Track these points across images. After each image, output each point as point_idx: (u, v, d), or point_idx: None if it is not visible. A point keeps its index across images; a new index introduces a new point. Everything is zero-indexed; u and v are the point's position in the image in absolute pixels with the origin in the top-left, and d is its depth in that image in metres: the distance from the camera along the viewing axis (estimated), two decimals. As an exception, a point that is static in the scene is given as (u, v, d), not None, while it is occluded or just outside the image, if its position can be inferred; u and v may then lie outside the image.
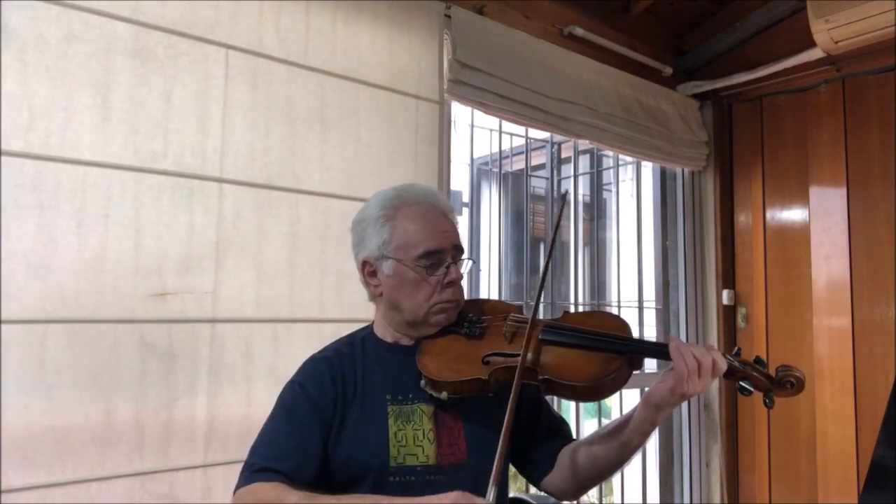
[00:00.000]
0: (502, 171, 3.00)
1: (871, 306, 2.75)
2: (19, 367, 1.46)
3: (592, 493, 3.60)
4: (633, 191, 3.29)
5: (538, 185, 3.42)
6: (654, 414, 1.17)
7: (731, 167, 3.29)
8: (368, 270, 1.28)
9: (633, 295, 3.20)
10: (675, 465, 3.19)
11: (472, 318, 1.28)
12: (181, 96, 1.72)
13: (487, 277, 3.08)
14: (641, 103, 2.94)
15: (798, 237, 3.01)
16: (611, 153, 3.20)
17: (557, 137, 3.14)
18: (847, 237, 2.83)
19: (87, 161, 1.58)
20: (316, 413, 1.19)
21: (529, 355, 1.18)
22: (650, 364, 2.95)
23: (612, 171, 3.41)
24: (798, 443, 2.94)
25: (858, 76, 2.84)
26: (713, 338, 3.20)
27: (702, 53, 3.22)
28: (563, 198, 1.39)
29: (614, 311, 3.17)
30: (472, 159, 3.13)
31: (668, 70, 3.13)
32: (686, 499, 3.14)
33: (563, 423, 1.37)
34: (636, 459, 3.13)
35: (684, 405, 3.17)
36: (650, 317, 3.24)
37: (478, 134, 2.79)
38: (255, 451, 1.17)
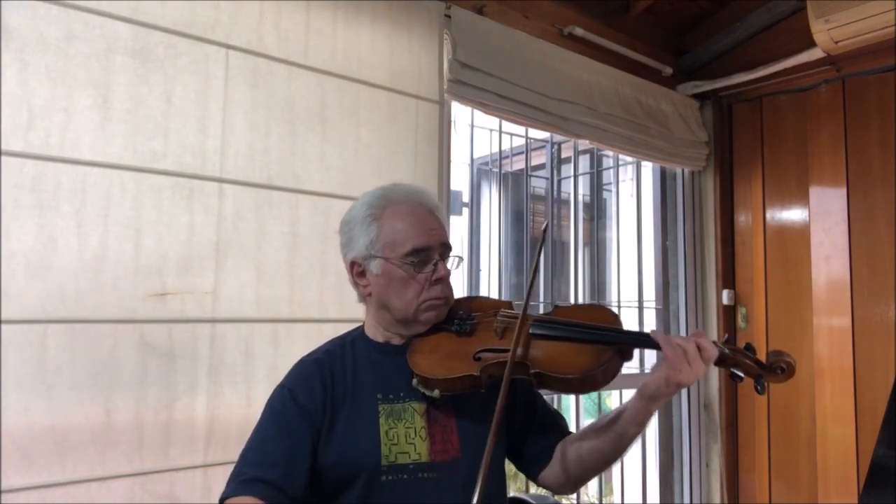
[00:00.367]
0: (502, 171, 3.00)
1: (871, 306, 2.75)
2: (19, 367, 1.46)
3: (592, 493, 3.60)
4: (633, 191, 3.30)
5: (538, 185, 3.42)
6: (648, 404, 1.17)
7: (731, 167, 3.29)
8: (357, 271, 1.28)
9: (633, 295, 3.20)
10: (675, 465, 3.19)
11: (462, 315, 1.29)
12: (181, 96, 1.72)
13: (487, 277, 3.08)
14: (641, 103, 2.94)
15: (798, 237, 3.01)
16: (611, 153, 3.20)
17: (557, 137, 3.14)
18: (847, 237, 2.83)
19: (87, 161, 1.57)
20: (305, 418, 1.18)
21: (520, 350, 1.18)
22: (651, 360, 2.95)
23: (612, 171, 3.41)
24: (798, 443, 2.94)
25: (858, 76, 2.84)
26: (713, 338, 3.19)
27: (702, 53, 3.22)
28: (544, 233, 1.39)
29: (614, 310, 3.17)
30: (472, 159, 3.13)
31: (668, 70, 3.13)
32: (686, 499, 3.14)
33: (559, 417, 1.37)
34: (636, 459, 3.13)
35: (684, 405, 3.18)
36: (650, 317, 3.25)
37: (478, 134, 2.79)
38: (244, 457, 1.16)
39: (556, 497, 1.59)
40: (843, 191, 2.86)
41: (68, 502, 1.49)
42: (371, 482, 1.16)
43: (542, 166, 3.37)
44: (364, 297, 1.31)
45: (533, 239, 3.12)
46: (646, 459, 3.15)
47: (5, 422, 1.43)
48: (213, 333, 1.73)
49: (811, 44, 2.64)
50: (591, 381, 1.18)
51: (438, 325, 1.27)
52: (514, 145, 3.07)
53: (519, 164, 3.26)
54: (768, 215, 3.13)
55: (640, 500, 3.05)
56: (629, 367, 2.60)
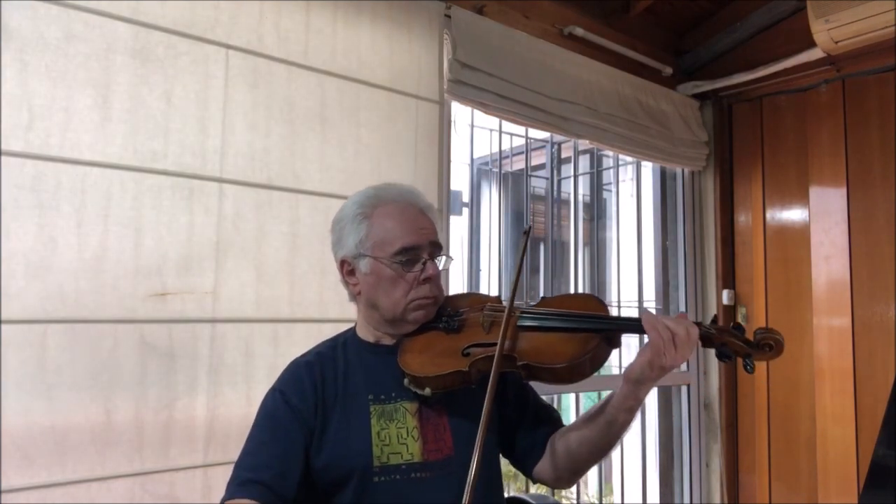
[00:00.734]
0: (502, 171, 3.00)
1: (871, 306, 2.75)
2: (19, 367, 1.46)
3: (593, 493, 3.60)
4: (633, 191, 3.30)
5: (538, 185, 3.43)
6: (635, 389, 1.15)
7: (731, 167, 3.29)
8: (347, 269, 1.28)
9: (633, 295, 3.19)
10: (675, 465, 3.19)
11: (450, 312, 1.29)
12: (181, 96, 1.72)
13: (487, 277, 3.08)
14: (641, 103, 2.94)
15: (798, 237, 3.01)
16: (611, 153, 3.20)
17: (557, 137, 3.14)
18: (847, 237, 2.83)
19: (87, 161, 1.57)
20: (297, 420, 1.18)
21: (507, 343, 1.18)
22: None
23: (612, 171, 3.41)
24: (798, 443, 2.94)
25: (858, 76, 2.84)
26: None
27: (702, 53, 3.22)
28: (527, 233, 1.39)
29: (614, 311, 3.17)
30: (472, 159, 3.14)
31: (668, 70, 3.13)
32: (686, 499, 3.14)
33: (552, 410, 1.37)
34: (636, 459, 3.13)
35: (684, 405, 3.18)
36: (650, 317, 3.24)
37: (478, 134, 2.79)
38: (239, 462, 1.17)
39: (556, 496, 1.59)
40: (843, 191, 2.85)
41: (68, 502, 1.49)
42: (363, 483, 1.16)
43: (542, 166, 3.38)
44: (354, 296, 1.31)
45: (533, 239, 3.13)
46: (646, 459, 3.15)
47: (5, 422, 1.43)
48: (213, 333, 1.73)
49: (811, 44, 2.64)
50: (578, 369, 1.17)
51: (427, 323, 1.27)
52: (514, 145, 3.07)
53: (519, 164, 3.27)
54: (768, 215, 3.13)
55: (640, 500, 3.05)
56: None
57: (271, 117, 1.87)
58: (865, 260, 2.78)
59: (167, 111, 1.70)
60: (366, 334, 1.31)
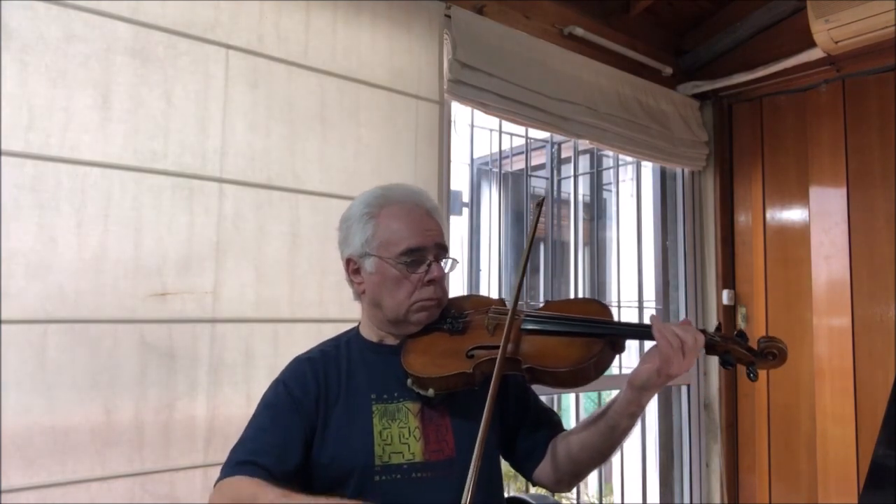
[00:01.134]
0: (502, 171, 3.00)
1: (871, 306, 2.75)
2: (19, 367, 1.46)
3: (593, 493, 3.61)
4: (633, 191, 3.30)
5: (538, 185, 3.43)
6: (639, 395, 1.15)
7: (731, 167, 3.29)
8: (352, 268, 1.29)
9: (633, 295, 3.20)
10: (675, 465, 3.19)
11: (454, 313, 1.29)
12: (181, 96, 1.72)
13: (487, 277, 3.08)
14: (641, 103, 2.94)
15: (798, 237, 3.01)
16: (611, 153, 3.20)
17: (557, 137, 3.14)
18: (847, 237, 2.83)
19: (87, 161, 1.57)
20: (298, 411, 1.19)
21: (511, 346, 1.19)
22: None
23: (612, 171, 3.41)
24: (798, 443, 2.94)
25: (858, 76, 2.84)
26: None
27: (702, 53, 3.22)
28: (540, 204, 1.39)
29: (614, 310, 3.17)
30: (472, 159, 3.13)
31: (668, 70, 3.13)
32: (686, 499, 3.14)
33: (553, 413, 1.37)
34: (636, 459, 3.13)
35: (684, 405, 3.18)
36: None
37: (478, 134, 2.79)
38: (237, 446, 1.17)
39: (556, 497, 1.59)
40: (843, 191, 2.85)
41: (68, 502, 1.49)
42: (363, 482, 1.16)
43: (542, 166, 3.38)
44: (358, 295, 1.32)
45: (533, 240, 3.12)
46: (646, 459, 3.15)
47: (5, 422, 1.43)
48: (213, 333, 1.73)
49: (811, 44, 2.64)
50: (582, 373, 1.17)
51: (431, 324, 1.28)
52: (514, 145, 3.07)
53: (519, 164, 3.27)
54: (768, 215, 3.13)
55: (640, 500, 3.05)
56: (630, 366, 2.60)
57: (271, 117, 1.87)
58: (865, 260, 2.78)
59: (167, 111, 1.70)
60: (369, 334, 1.32)
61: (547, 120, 2.53)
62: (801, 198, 3.01)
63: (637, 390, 1.15)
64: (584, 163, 3.26)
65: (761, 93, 3.15)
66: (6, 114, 1.48)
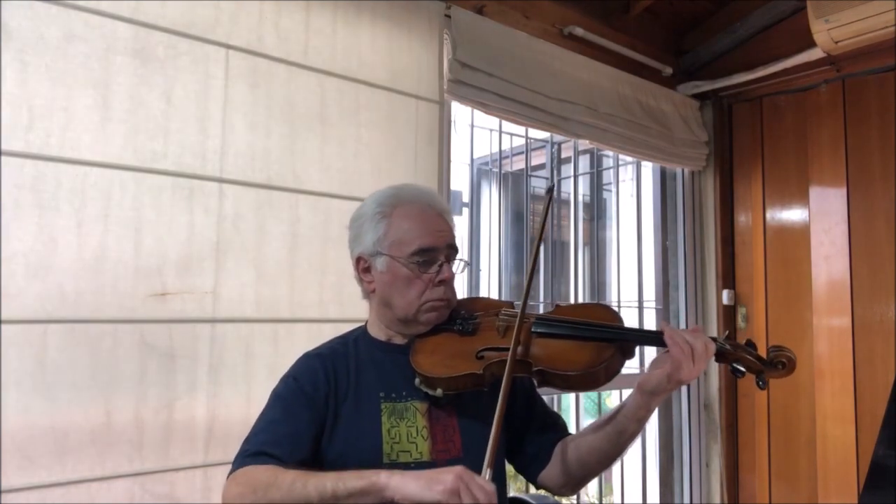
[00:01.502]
0: (502, 171, 3.00)
1: (871, 306, 2.75)
2: (19, 367, 1.46)
3: (592, 493, 3.60)
4: (633, 191, 3.30)
5: (538, 185, 3.42)
6: (649, 400, 1.17)
7: (731, 167, 3.29)
8: (363, 267, 1.29)
9: (633, 295, 3.20)
10: (675, 465, 3.19)
11: (464, 315, 1.29)
12: (181, 96, 1.72)
13: (487, 277, 3.08)
14: (641, 103, 2.94)
15: (798, 237, 3.01)
16: (611, 153, 3.20)
17: (557, 137, 3.14)
18: (847, 237, 2.83)
19: (87, 161, 1.57)
20: (309, 405, 1.19)
21: (522, 348, 1.19)
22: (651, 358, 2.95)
23: (612, 171, 3.41)
24: (798, 443, 2.94)
25: (858, 76, 2.84)
26: (714, 335, 3.19)
27: (702, 53, 3.22)
28: (550, 192, 1.39)
29: (615, 309, 3.17)
30: (472, 159, 3.13)
31: (668, 70, 3.13)
32: (686, 499, 3.14)
33: (558, 417, 1.38)
34: (636, 459, 3.13)
35: (684, 405, 3.18)
36: (650, 317, 3.24)
37: (478, 134, 2.79)
38: (248, 439, 1.18)
39: (556, 498, 1.59)
40: (843, 191, 2.86)
41: (68, 502, 1.49)
42: None
43: (542, 166, 3.38)
44: (368, 294, 1.32)
45: (533, 239, 3.12)
46: (646, 459, 3.15)
47: (5, 422, 1.43)
48: (213, 333, 1.73)
49: (811, 44, 2.64)
50: (593, 378, 1.18)
51: (440, 325, 1.28)
52: (514, 145, 3.07)
53: (519, 164, 3.26)
54: (768, 215, 3.13)
55: (640, 500, 3.05)
56: (630, 367, 2.60)
57: (271, 117, 1.87)
58: (865, 260, 2.78)
59: (167, 111, 1.70)
60: (377, 332, 1.32)
61: (547, 120, 2.53)
62: (801, 198, 3.01)
63: (647, 395, 1.16)
64: (584, 163, 3.26)
65: (761, 93, 3.15)
66: (6, 114, 1.47)
